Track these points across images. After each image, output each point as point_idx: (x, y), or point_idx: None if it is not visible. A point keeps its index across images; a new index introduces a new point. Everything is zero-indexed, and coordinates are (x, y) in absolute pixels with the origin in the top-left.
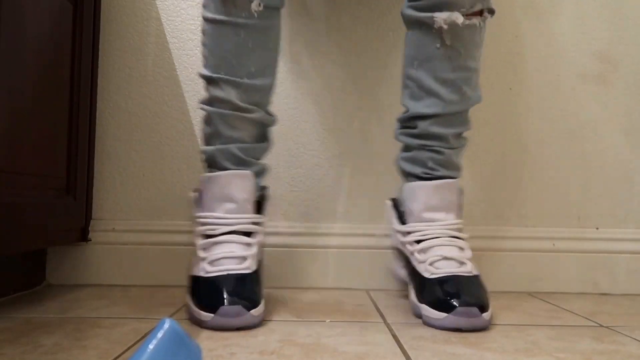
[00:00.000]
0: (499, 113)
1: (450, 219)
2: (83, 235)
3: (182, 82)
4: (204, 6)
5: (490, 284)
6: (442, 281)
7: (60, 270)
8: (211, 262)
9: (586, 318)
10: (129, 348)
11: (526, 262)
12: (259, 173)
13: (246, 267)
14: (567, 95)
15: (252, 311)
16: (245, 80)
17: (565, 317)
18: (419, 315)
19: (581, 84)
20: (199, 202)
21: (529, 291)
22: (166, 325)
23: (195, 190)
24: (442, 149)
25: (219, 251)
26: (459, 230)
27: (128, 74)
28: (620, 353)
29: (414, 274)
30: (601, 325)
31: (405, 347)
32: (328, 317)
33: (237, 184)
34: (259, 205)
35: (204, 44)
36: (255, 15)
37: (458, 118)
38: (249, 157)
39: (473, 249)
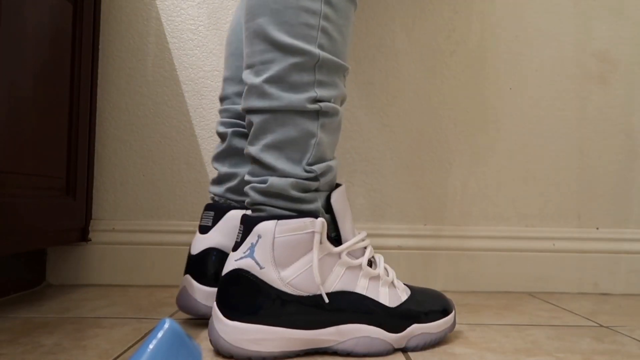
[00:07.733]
0: (499, 113)
1: None
2: (83, 235)
3: (182, 82)
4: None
5: (490, 284)
6: None
7: (60, 270)
8: (397, 282)
9: (586, 318)
10: (129, 348)
11: (526, 262)
12: None
13: None
14: (567, 95)
15: None
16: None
17: (565, 317)
18: None
19: (581, 84)
20: (330, 224)
21: (529, 291)
22: (166, 325)
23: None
24: None
25: (391, 272)
26: None
27: (128, 74)
28: (620, 353)
29: None
30: (601, 325)
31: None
32: None
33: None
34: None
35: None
36: None
37: None
38: None
39: (473, 249)
